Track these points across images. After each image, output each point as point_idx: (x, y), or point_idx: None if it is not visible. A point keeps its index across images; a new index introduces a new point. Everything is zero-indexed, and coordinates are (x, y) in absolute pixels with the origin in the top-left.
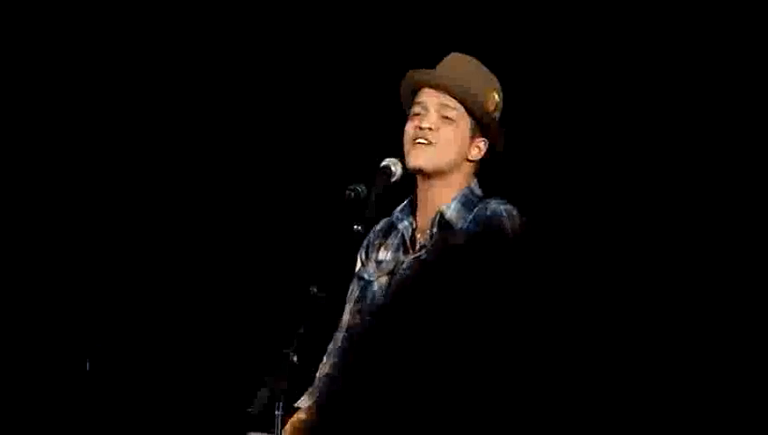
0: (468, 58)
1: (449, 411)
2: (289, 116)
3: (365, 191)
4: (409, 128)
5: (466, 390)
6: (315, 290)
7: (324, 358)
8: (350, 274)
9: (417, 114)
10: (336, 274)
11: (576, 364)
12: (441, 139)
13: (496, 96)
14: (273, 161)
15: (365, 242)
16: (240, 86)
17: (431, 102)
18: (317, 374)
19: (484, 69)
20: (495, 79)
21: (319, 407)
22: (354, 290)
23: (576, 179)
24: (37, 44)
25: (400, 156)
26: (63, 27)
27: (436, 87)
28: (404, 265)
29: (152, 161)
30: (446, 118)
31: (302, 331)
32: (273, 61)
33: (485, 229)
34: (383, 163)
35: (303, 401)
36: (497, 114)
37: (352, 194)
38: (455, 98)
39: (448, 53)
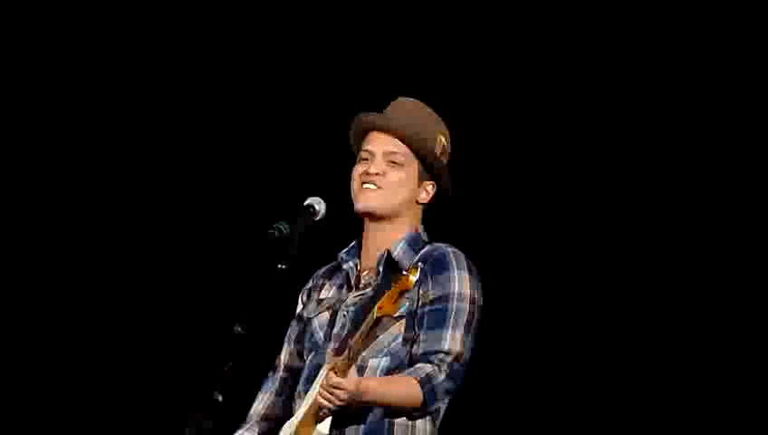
0: (415, 102)
1: None
2: (214, 153)
3: (288, 230)
4: (357, 172)
5: None
6: (239, 328)
7: (259, 395)
8: (273, 312)
9: (365, 159)
10: (260, 312)
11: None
12: (389, 183)
13: (443, 139)
14: (197, 200)
15: (307, 286)
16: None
17: (378, 147)
18: (252, 412)
19: (432, 112)
20: (443, 122)
21: None
22: (294, 329)
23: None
24: (37, 44)
25: (322, 194)
26: (62, 27)
27: (385, 131)
28: (347, 302)
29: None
30: (394, 163)
31: (226, 369)
32: (202, 95)
33: (431, 266)
34: (307, 202)
35: None
36: (445, 158)
37: (276, 232)
38: (402, 142)
39: (396, 95)
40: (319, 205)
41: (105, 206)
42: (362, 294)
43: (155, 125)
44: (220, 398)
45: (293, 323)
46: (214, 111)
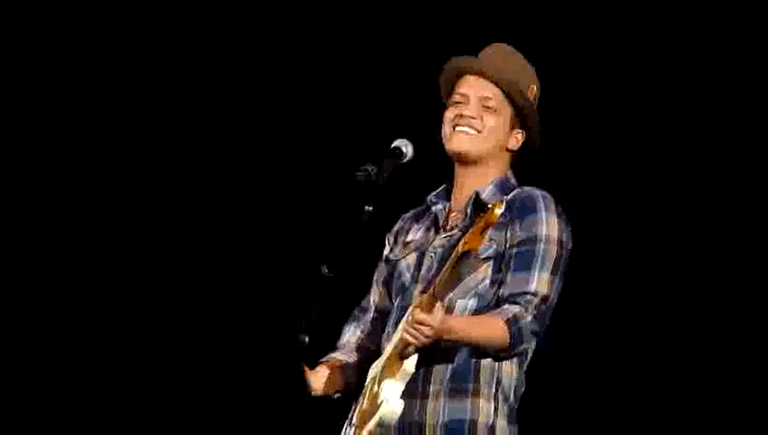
0: (510, 49)
1: None
2: (300, 100)
3: (375, 172)
4: (450, 114)
5: None
6: (326, 270)
7: (348, 330)
8: (361, 253)
9: (459, 102)
10: (347, 254)
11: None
12: (483, 127)
13: (536, 88)
14: (284, 144)
15: (394, 228)
16: (249, 69)
17: (473, 91)
18: (345, 341)
19: (525, 60)
20: (535, 71)
21: None
22: (382, 272)
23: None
24: (36, 44)
25: (410, 137)
26: (62, 27)
27: (480, 75)
28: (434, 244)
29: (164, 146)
30: (488, 107)
31: (314, 313)
32: (282, 44)
33: (519, 208)
34: (394, 144)
35: (331, 357)
36: (535, 107)
37: (363, 175)
38: (498, 87)
39: (486, 42)
40: (406, 147)
41: (182, 146)
42: (450, 236)
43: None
44: (306, 340)
45: (381, 265)
46: (301, 54)
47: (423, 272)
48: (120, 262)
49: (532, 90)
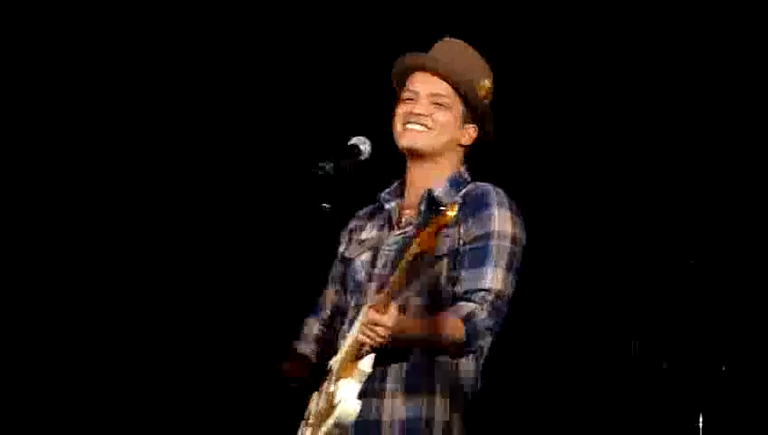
0: (461, 43)
1: None
2: (258, 98)
3: (332, 169)
4: (401, 111)
5: None
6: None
7: (309, 321)
8: (317, 251)
9: (410, 99)
10: (303, 251)
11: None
12: (434, 123)
13: (488, 83)
14: (242, 143)
15: (348, 226)
16: (207, 71)
17: (423, 88)
18: (306, 332)
19: (477, 55)
20: (487, 65)
21: None
22: (337, 269)
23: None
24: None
25: (367, 134)
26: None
27: (431, 72)
28: (388, 242)
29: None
30: (438, 104)
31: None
32: (239, 43)
33: (472, 204)
34: (351, 141)
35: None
36: (488, 101)
37: (320, 172)
38: (448, 84)
39: (436, 38)
40: (364, 145)
41: (143, 146)
42: (404, 233)
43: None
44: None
45: (336, 263)
46: (260, 50)
47: (377, 270)
48: (93, 258)
49: (485, 85)
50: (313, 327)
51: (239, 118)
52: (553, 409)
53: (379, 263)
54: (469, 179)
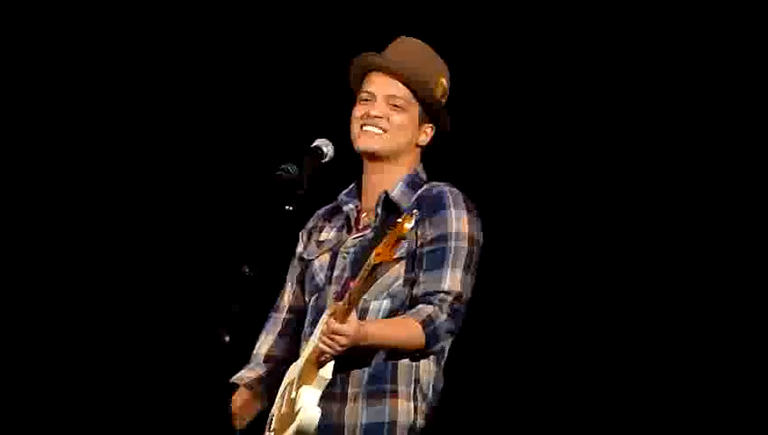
0: (417, 42)
1: None
2: (219, 99)
3: (296, 171)
4: (357, 113)
5: None
6: (247, 270)
7: (262, 336)
8: (281, 253)
9: (366, 100)
10: (267, 253)
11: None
12: (390, 125)
13: (444, 82)
14: (204, 144)
15: (308, 225)
16: (169, 69)
17: (379, 90)
18: (256, 352)
19: (433, 54)
20: (444, 63)
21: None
22: (295, 270)
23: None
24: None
25: (330, 136)
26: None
27: (387, 73)
28: (346, 244)
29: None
30: (395, 106)
31: (233, 309)
32: (202, 44)
33: (428, 206)
34: (314, 143)
35: (242, 377)
36: (445, 99)
37: (283, 174)
38: (404, 85)
39: (396, 35)
40: (327, 147)
41: (106, 152)
42: (362, 236)
43: (155, 74)
44: (227, 338)
45: (294, 262)
46: (217, 53)
47: (337, 272)
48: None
49: (441, 84)
50: (263, 346)
51: (203, 121)
52: (518, 408)
53: (338, 266)
54: (425, 179)
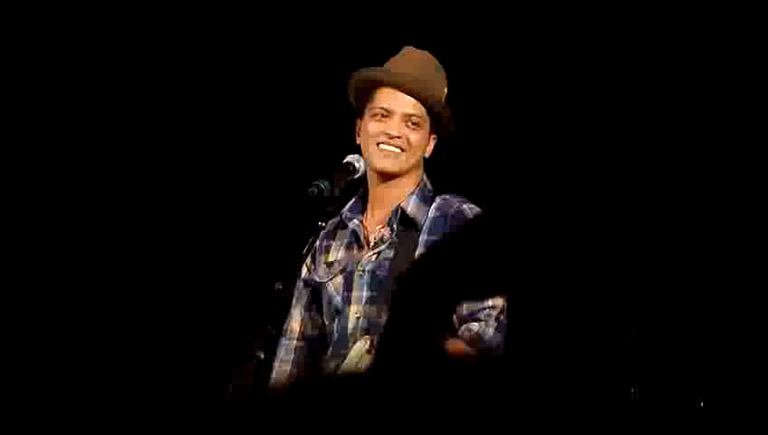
0: (425, 55)
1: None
2: (249, 115)
3: (329, 187)
4: (374, 129)
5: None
6: (281, 286)
7: (276, 364)
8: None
9: (382, 117)
10: (301, 270)
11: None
12: (407, 145)
13: (446, 90)
14: (236, 160)
15: (311, 249)
16: (199, 86)
17: (398, 107)
18: (272, 383)
19: (436, 62)
20: (443, 68)
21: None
22: (302, 296)
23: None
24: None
25: (357, 150)
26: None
27: (405, 90)
28: (362, 262)
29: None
30: (413, 124)
31: (269, 328)
32: (229, 61)
33: (451, 227)
34: (346, 159)
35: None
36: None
37: (315, 190)
38: (421, 103)
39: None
40: (358, 162)
41: (139, 165)
42: (377, 253)
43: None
44: (262, 356)
45: (300, 287)
46: (253, 65)
47: (355, 293)
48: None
49: (445, 94)
50: (279, 377)
51: (237, 137)
52: None
53: (356, 285)
54: (432, 191)
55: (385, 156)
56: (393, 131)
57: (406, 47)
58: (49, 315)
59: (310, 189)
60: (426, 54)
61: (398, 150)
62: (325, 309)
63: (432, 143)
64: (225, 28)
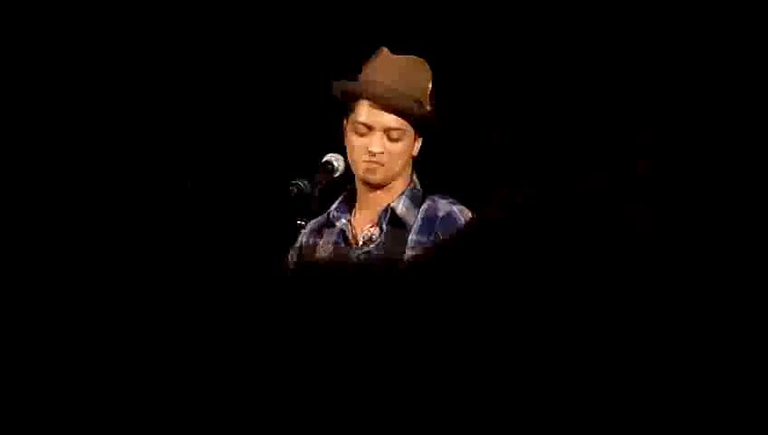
0: (401, 58)
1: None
2: (226, 114)
3: (308, 186)
4: (356, 143)
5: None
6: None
7: None
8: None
9: (363, 132)
10: (280, 268)
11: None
12: (390, 157)
13: (431, 85)
14: (216, 158)
15: (296, 244)
16: (179, 83)
17: (377, 123)
18: None
19: (418, 61)
20: (426, 64)
21: None
22: None
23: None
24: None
25: (339, 150)
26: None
27: (384, 107)
28: (353, 260)
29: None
30: (394, 138)
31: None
32: (210, 59)
33: (444, 227)
34: (325, 158)
35: None
36: (433, 101)
37: (295, 189)
38: (399, 115)
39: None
40: (338, 161)
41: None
42: (367, 252)
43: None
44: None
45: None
46: (224, 56)
47: None
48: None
49: (428, 88)
50: None
51: (214, 134)
52: None
53: None
54: (421, 191)
55: (368, 171)
56: (375, 148)
57: (382, 49)
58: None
59: (290, 188)
60: (404, 57)
61: (381, 165)
62: None
63: (419, 143)
64: (206, 24)
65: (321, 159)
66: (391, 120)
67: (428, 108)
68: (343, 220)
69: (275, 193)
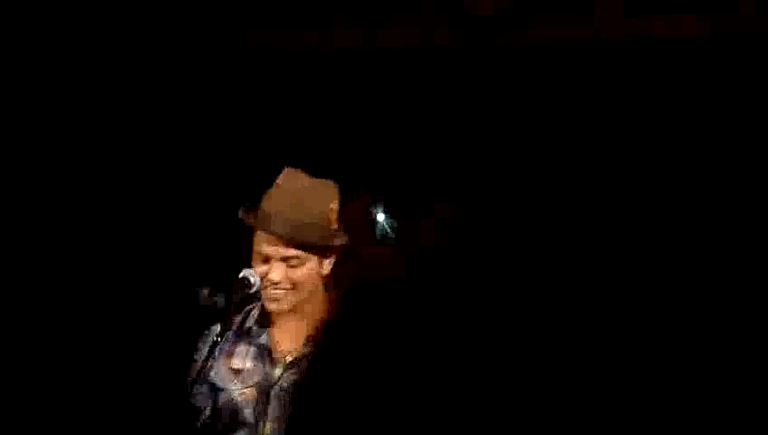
0: (301, 179)
1: None
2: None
3: (223, 302)
4: (258, 272)
5: None
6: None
7: None
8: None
9: (263, 261)
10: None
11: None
12: (291, 284)
13: (335, 205)
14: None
15: (208, 339)
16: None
17: (273, 252)
18: None
19: (319, 183)
20: (331, 184)
21: None
22: (202, 396)
23: None
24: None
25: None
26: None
27: (279, 242)
28: (280, 383)
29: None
30: (293, 265)
31: None
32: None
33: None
34: (242, 274)
35: None
36: (338, 220)
37: (210, 304)
38: (299, 249)
39: None
40: (253, 277)
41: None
42: (294, 373)
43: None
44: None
45: (197, 384)
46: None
47: (272, 413)
48: None
49: (332, 209)
50: None
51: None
52: None
53: (274, 405)
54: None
55: (271, 300)
56: (274, 277)
57: (285, 171)
58: None
59: (205, 304)
60: (304, 178)
61: (283, 293)
62: (225, 419)
63: (330, 261)
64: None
65: (238, 274)
66: (289, 250)
67: (333, 228)
68: (264, 337)
69: (191, 305)
